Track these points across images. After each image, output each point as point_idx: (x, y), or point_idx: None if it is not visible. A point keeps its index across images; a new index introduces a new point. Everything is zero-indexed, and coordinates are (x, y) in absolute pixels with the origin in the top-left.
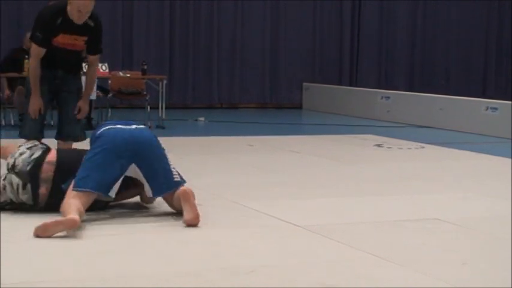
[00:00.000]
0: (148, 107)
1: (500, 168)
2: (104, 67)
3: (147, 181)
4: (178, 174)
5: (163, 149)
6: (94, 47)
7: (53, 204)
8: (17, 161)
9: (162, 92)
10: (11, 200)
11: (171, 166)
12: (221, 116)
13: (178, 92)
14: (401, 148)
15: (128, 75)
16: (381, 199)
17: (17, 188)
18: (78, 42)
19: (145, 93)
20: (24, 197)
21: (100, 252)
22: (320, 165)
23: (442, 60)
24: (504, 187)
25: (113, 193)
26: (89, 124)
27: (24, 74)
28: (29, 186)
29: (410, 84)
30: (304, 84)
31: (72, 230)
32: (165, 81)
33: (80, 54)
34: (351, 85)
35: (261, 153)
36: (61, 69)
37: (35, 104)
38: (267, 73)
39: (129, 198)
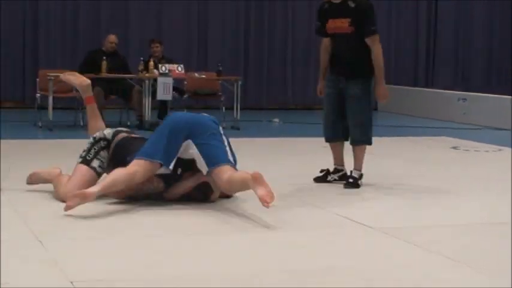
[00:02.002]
0: (223, 108)
1: None
2: (179, 68)
3: (202, 154)
4: (233, 157)
5: (221, 133)
6: (362, 29)
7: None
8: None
9: (237, 93)
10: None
11: (227, 148)
12: (295, 117)
13: (253, 93)
14: (478, 151)
15: (203, 76)
16: (456, 202)
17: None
18: (343, 24)
19: (220, 94)
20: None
21: (166, 251)
22: (395, 166)
23: None
24: None
25: (170, 165)
26: None
27: (102, 75)
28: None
29: (488, 85)
30: None
31: (85, 202)
32: (240, 82)
33: (352, 42)
34: (426, 86)
35: None
36: (342, 74)
37: (318, 87)
38: None
39: (187, 189)
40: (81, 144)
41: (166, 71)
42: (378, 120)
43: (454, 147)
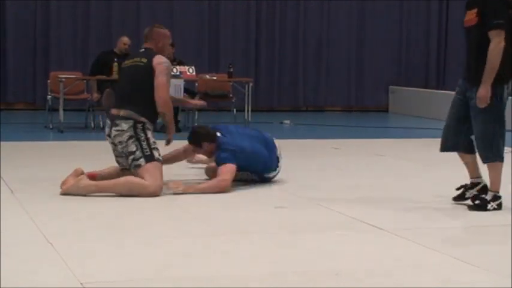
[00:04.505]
0: (234, 110)
1: None
2: (190, 70)
3: None
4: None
5: None
6: (485, 21)
7: None
8: None
9: (248, 95)
10: None
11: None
12: (306, 118)
13: (264, 95)
14: None
15: (215, 78)
16: (467, 202)
17: None
18: (471, 16)
19: (231, 95)
20: None
21: (176, 252)
22: (406, 168)
23: None
24: None
25: None
26: (176, 127)
27: (113, 77)
28: None
29: None
30: (391, 87)
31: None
32: (251, 84)
33: (477, 37)
34: (437, 88)
35: (346, 156)
36: (468, 79)
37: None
38: (353, 76)
39: None
40: (91, 146)
41: (178, 73)
42: (389, 121)
43: None
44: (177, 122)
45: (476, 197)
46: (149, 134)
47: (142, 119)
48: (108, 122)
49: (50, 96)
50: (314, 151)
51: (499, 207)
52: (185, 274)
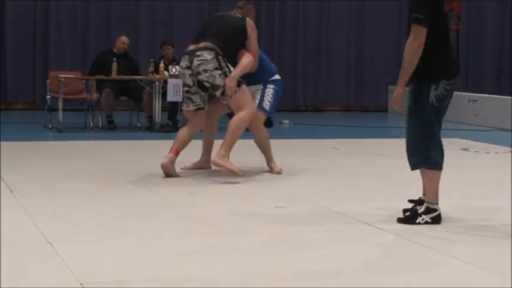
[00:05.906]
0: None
1: None
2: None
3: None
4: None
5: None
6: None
7: None
8: None
9: None
10: None
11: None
12: (306, 118)
13: None
14: (488, 152)
15: None
16: (468, 203)
17: None
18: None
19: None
20: None
21: (175, 252)
22: (405, 168)
23: None
24: None
25: None
26: (175, 126)
27: (112, 77)
28: None
29: (499, 87)
30: (390, 87)
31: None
32: None
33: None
34: None
35: (346, 156)
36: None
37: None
38: (353, 76)
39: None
40: (91, 146)
41: (177, 73)
42: (389, 121)
43: (464, 149)
44: (176, 121)
45: (406, 209)
46: (229, 65)
47: (221, 53)
48: (186, 56)
49: (49, 96)
50: (314, 151)
51: (435, 221)
52: (185, 274)
